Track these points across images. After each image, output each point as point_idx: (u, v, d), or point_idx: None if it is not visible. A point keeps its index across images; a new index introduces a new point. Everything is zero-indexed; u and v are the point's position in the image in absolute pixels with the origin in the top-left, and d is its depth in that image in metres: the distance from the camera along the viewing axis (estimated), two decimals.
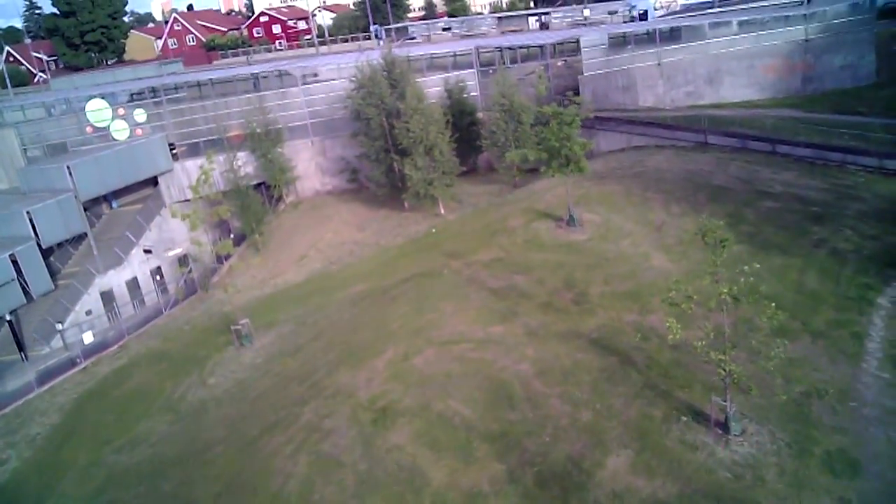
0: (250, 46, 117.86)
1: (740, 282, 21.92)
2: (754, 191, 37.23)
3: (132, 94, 55.04)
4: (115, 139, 52.52)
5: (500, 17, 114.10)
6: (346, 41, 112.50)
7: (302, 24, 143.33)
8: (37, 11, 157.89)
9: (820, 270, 30.47)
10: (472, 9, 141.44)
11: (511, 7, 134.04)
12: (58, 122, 54.16)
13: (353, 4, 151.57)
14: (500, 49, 51.47)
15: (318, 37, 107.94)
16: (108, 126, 52.59)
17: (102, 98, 52.52)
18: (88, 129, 52.80)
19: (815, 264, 30.88)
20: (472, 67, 53.16)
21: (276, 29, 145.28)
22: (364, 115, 44.56)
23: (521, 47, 51.97)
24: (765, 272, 30.74)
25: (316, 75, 54.41)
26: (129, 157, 50.33)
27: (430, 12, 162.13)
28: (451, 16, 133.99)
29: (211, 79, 54.73)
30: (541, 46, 50.65)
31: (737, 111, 48.59)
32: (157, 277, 52.32)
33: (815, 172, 38.89)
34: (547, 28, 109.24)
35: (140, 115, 52.80)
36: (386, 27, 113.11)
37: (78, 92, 58.10)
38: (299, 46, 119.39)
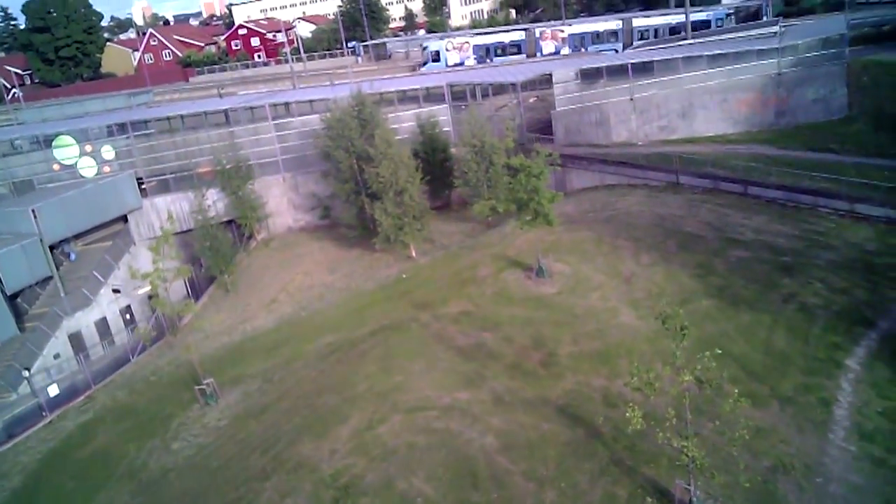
0: (227, 63, 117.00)
1: (704, 358, 21.47)
2: (724, 238, 37.04)
3: (100, 129, 54.02)
4: (82, 176, 51.67)
5: (478, 34, 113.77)
6: (324, 57, 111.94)
7: (281, 37, 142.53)
8: (12, 23, 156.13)
9: (789, 328, 30.29)
10: (452, 22, 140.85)
11: (491, 21, 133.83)
12: (25, 157, 53.20)
13: (333, 14, 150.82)
14: (472, 85, 51.02)
15: (293, 53, 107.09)
16: (76, 163, 51.73)
17: (69, 135, 51.58)
18: (55, 166, 51.92)
19: (784, 321, 30.70)
20: (444, 99, 52.71)
21: (255, 42, 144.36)
22: (333, 158, 44.10)
23: (491, 84, 51.59)
24: (733, 331, 30.84)
25: (287, 109, 53.90)
26: (97, 196, 49.52)
27: (410, 23, 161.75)
28: (430, 31, 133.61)
29: (181, 115, 54.01)
30: (512, 84, 50.32)
31: (710, 147, 48.50)
32: (127, 316, 51.57)
33: (786, 216, 38.76)
34: None
35: (108, 152, 51.99)
36: (364, 43, 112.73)
37: (45, 127, 57.12)
38: (278, 62, 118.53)
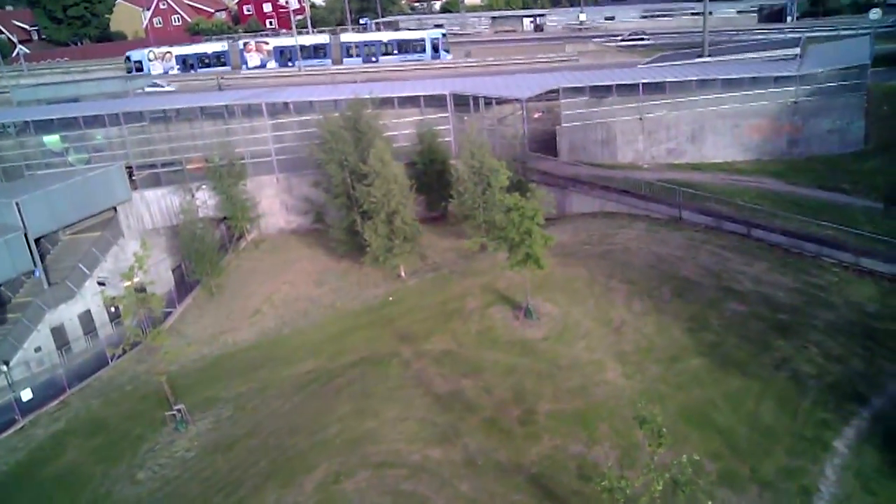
0: (235, 32, 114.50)
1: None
2: (722, 287, 35.71)
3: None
4: (72, 165, 50.56)
5: (494, 17, 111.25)
6: (334, 33, 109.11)
7: (294, 3, 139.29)
8: None
9: (778, 399, 29.17)
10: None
11: (508, 2, 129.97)
12: (15, 142, 51.98)
13: None
14: (476, 98, 49.25)
15: (301, 26, 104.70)
16: (66, 151, 50.60)
17: (61, 124, 50.38)
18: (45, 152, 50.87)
19: (774, 391, 29.57)
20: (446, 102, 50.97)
21: (268, 8, 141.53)
22: (326, 171, 42.80)
23: (496, 99, 49.77)
24: (720, 398, 29.71)
25: (287, 107, 52.43)
26: (85, 188, 48.26)
27: None
28: (445, 10, 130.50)
29: (177, 108, 52.51)
30: (518, 99, 48.50)
31: (717, 177, 46.88)
32: (112, 309, 50.71)
33: (787, 265, 37.30)
34: (541, 30, 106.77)
35: (99, 141, 50.78)
36: (376, 21, 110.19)
37: (37, 112, 55.79)
38: (289, 30, 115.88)
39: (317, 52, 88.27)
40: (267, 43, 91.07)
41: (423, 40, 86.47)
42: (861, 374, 30.12)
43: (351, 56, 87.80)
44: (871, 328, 32.48)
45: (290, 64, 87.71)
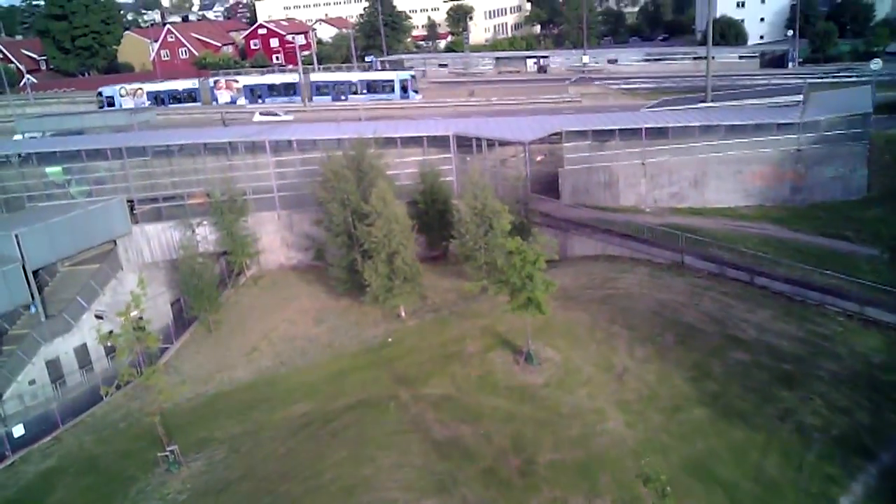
0: (242, 67, 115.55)
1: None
2: (725, 335, 35.32)
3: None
4: (73, 197, 50.49)
5: (498, 58, 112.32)
6: (340, 69, 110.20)
7: (301, 39, 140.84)
8: (34, 2, 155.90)
9: (783, 452, 28.65)
10: (472, 37, 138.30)
11: (513, 40, 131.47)
12: (18, 172, 51.93)
13: (355, 18, 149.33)
14: (479, 140, 49.37)
15: (307, 62, 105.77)
16: (68, 184, 50.57)
17: (63, 156, 50.46)
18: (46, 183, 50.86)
19: (779, 443, 29.06)
20: (449, 142, 51.04)
21: (275, 43, 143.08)
22: (328, 211, 42.68)
23: (500, 141, 49.92)
24: (724, 450, 29.13)
25: (290, 144, 52.55)
26: (84, 221, 48.07)
27: (432, 32, 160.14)
28: (450, 49, 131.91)
29: (180, 144, 52.58)
30: (521, 142, 48.58)
31: (719, 222, 46.69)
32: (109, 343, 50.13)
33: (791, 313, 36.95)
34: (545, 72, 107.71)
35: (101, 174, 50.80)
36: (381, 59, 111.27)
37: (40, 145, 55.92)
38: (295, 66, 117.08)
39: (287, 90, 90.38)
40: (237, 81, 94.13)
41: (392, 81, 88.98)
42: (868, 427, 29.62)
43: (321, 95, 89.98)
44: (878, 380, 32.05)
45: (259, 101, 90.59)
